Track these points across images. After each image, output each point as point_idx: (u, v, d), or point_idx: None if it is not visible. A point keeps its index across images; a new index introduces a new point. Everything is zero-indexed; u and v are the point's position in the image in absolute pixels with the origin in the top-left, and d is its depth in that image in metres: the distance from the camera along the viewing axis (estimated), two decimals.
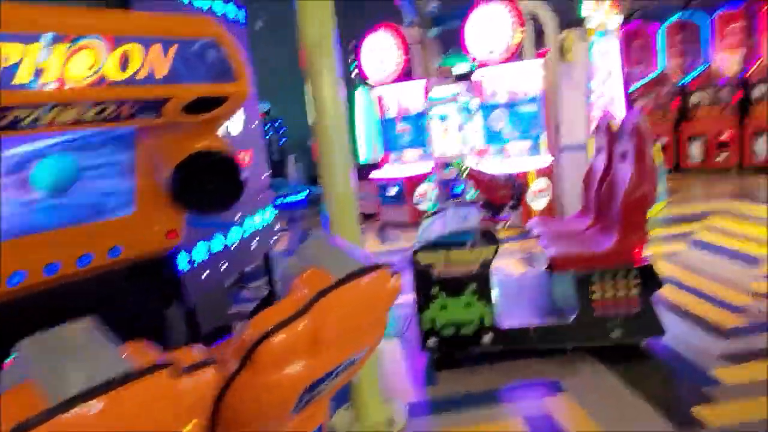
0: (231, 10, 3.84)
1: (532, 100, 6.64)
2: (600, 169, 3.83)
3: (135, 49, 1.39)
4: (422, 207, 7.54)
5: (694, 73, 9.70)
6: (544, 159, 6.62)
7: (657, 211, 6.59)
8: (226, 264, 3.69)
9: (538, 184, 6.54)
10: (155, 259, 2.09)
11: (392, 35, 7.34)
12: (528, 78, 6.67)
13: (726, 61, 9.70)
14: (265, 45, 13.54)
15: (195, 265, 3.16)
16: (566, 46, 6.21)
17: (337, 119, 2.61)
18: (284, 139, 13.61)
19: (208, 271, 3.36)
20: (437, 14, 8.20)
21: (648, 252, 3.25)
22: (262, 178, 4.57)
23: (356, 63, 7.83)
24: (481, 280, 3.30)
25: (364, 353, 1.48)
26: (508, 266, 5.30)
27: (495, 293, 3.97)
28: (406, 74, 7.59)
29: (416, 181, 7.49)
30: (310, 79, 2.55)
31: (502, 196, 3.41)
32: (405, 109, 7.90)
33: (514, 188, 3.55)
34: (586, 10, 6.15)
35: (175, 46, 1.51)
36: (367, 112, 8.21)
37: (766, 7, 8.97)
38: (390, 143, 8.10)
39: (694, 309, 3.80)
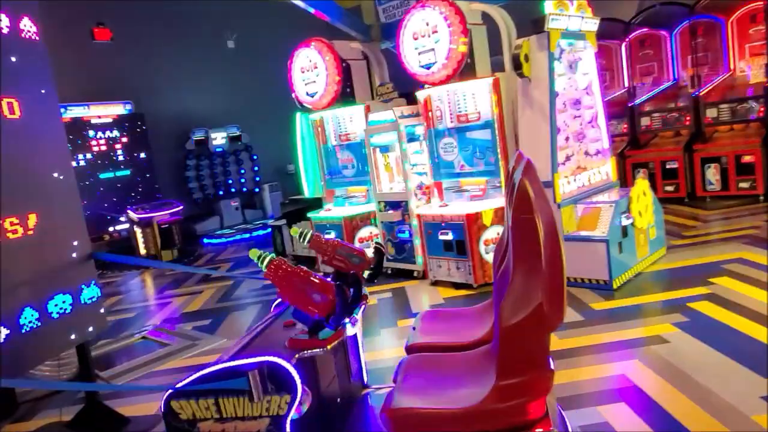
0: None
1: (487, 124, 5.28)
2: (504, 244, 2.47)
3: None
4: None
5: (711, 84, 8.15)
6: (500, 200, 5.24)
7: (651, 263, 5.13)
8: None
9: (493, 231, 5.16)
10: None
11: (322, 52, 6.09)
12: (480, 97, 5.32)
13: (749, 68, 8.14)
14: (236, 66, 12.58)
15: None
16: (522, 57, 4.85)
17: None
18: (257, 167, 12.52)
19: None
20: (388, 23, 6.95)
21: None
22: (73, 245, 3.34)
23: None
24: None
25: None
26: None
27: None
28: (345, 95, 6.33)
29: (357, 223, 6.18)
30: None
31: (317, 307, 2.07)
32: (345, 136, 6.63)
33: (367, 265, 2.28)
34: (548, 8, 4.79)
35: None
36: (307, 140, 6.98)
37: None
38: (333, 177, 6.83)
39: None
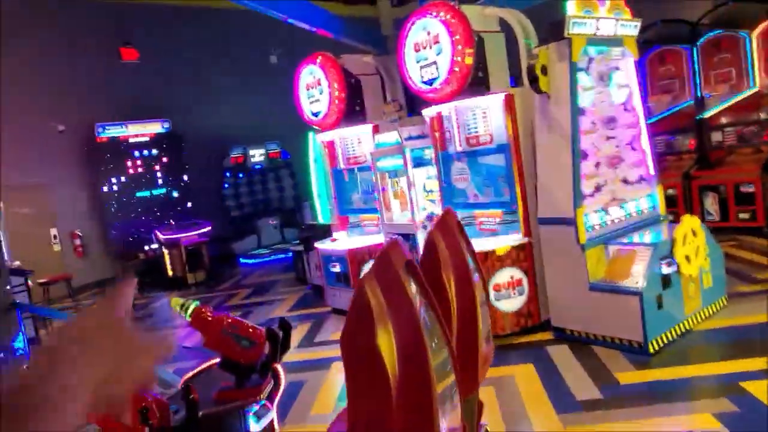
0: None
1: (500, 148, 4.51)
2: None
3: None
4: None
5: (727, 102, 6.97)
6: (516, 237, 4.45)
7: (704, 317, 4.15)
8: None
9: (506, 275, 4.37)
10: None
11: (325, 67, 5.55)
12: (492, 117, 4.57)
13: None
14: (277, 81, 12.27)
15: None
16: (539, 69, 4.07)
17: None
18: (298, 185, 12.15)
19: None
20: None
21: None
22: None
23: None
24: None
25: None
26: None
27: None
28: (355, 114, 5.74)
29: (362, 256, 5.56)
30: None
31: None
32: (354, 159, 6.05)
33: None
34: (570, 9, 3.98)
35: None
36: (318, 161, 6.46)
37: None
38: (345, 203, 6.25)
39: None
